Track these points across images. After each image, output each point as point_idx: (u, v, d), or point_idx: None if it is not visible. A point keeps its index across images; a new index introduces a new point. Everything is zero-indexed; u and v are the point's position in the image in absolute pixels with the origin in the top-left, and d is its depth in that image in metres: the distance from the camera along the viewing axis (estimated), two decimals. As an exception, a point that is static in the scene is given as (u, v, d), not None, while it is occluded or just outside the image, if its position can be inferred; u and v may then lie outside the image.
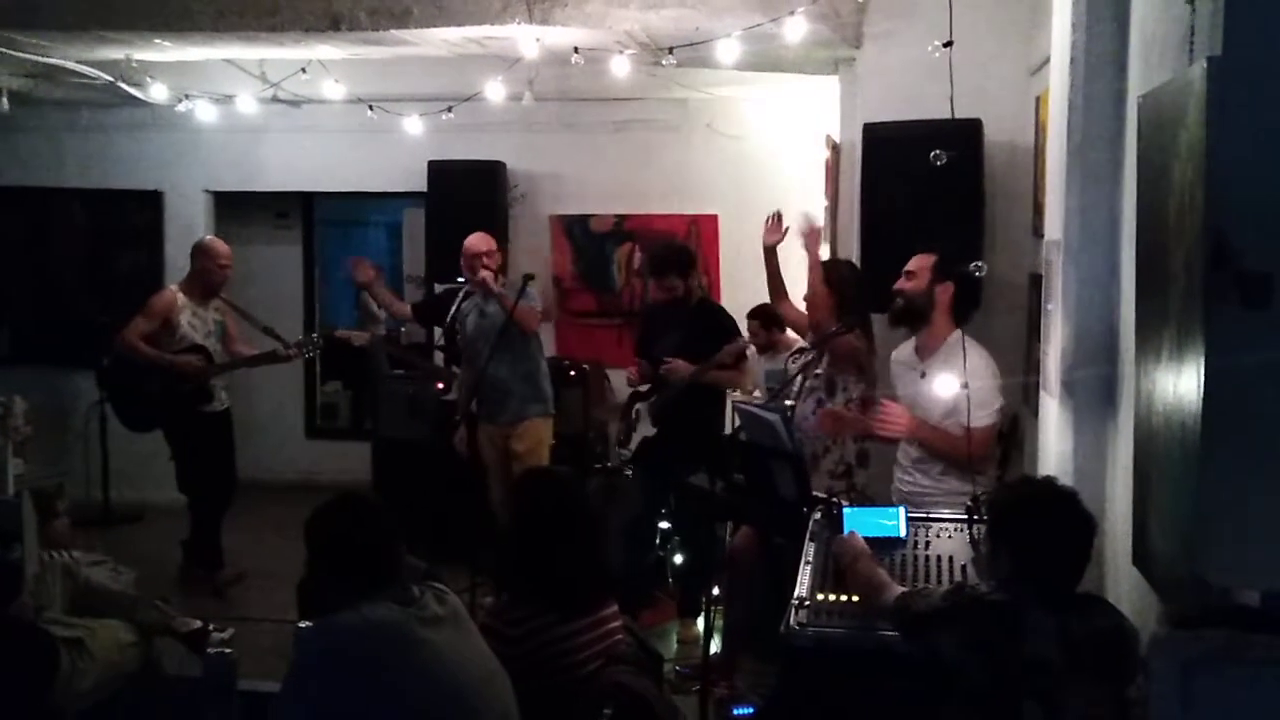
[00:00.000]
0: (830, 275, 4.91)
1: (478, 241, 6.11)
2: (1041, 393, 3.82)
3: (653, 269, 6.17)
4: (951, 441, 4.16)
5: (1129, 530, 2.82)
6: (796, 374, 4.97)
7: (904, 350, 4.50)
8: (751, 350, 6.39)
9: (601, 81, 6.60)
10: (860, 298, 4.81)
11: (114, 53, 6.38)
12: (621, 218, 8.30)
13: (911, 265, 4.34)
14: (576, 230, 8.35)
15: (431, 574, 3.16)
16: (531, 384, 6.12)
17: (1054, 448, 3.54)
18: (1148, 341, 2.61)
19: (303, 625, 3.15)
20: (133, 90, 7.06)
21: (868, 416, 4.44)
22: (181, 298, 6.53)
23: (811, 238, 4.88)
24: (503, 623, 3.30)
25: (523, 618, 3.30)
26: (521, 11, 5.42)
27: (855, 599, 3.20)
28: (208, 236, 6.83)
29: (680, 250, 6.48)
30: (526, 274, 6.11)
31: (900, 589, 3.05)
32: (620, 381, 6.79)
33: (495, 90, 6.25)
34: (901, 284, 4.34)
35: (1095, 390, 3.25)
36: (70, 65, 6.67)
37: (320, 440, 9.33)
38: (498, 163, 8.00)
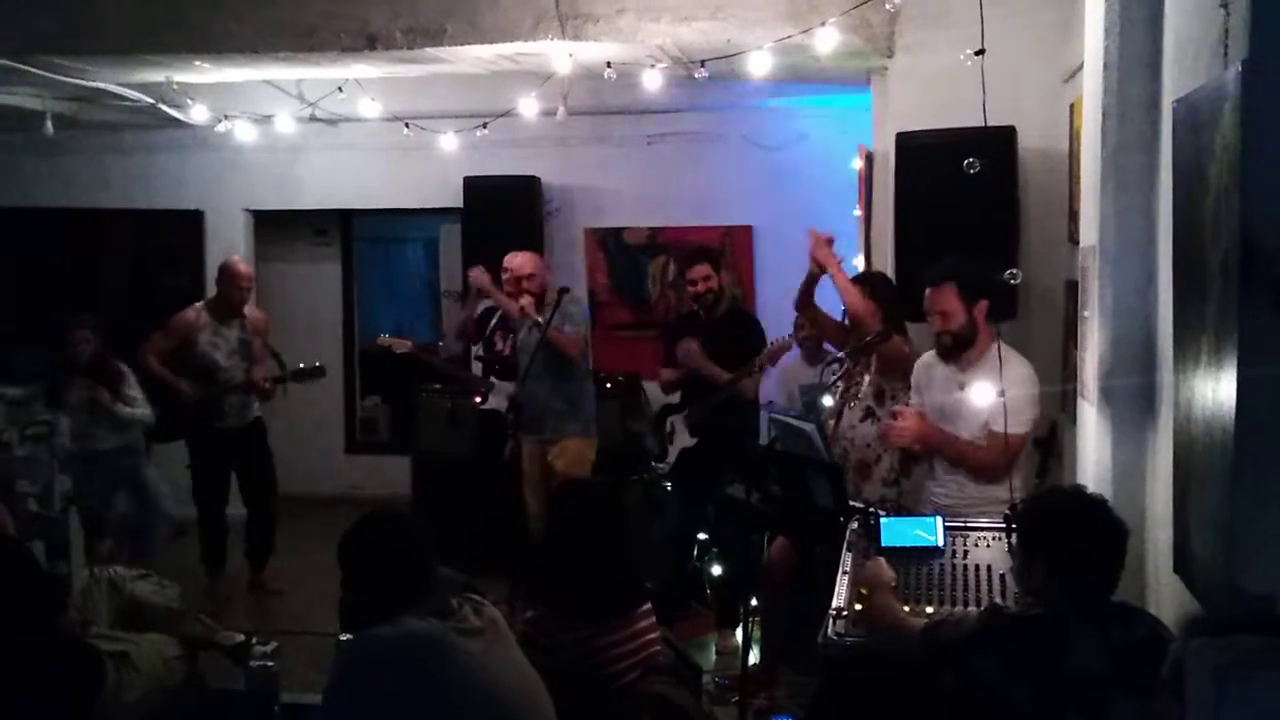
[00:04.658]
0: (870, 287, 4.92)
1: (523, 263, 6.14)
2: (1080, 400, 3.80)
3: (684, 262, 6.26)
4: (969, 449, 4.14)
5: (1170, 538, 2.79)
6: (834, 381, 4.96)
7: (930, 357, 4.45)
8: (789, 360, 6.39)
9: (634, 95, 6.64)
10: (899, 308, 4.80)
11: (155, 75, 6.49)
12: (655, 230, 8.32)
13: (939, 305, 4.22)
14: (611, 243, 8.38)
15: (470, 586, 3.18)
16: (571, 404, 6.13)
17: (1093, 455, 3.51)
18: (1186, 347, 2.59)
19: (343, 638, 3.18)
20: (174, 112, 7.19)
21: (887, 424, 4.41)
22: (204, 316, 6.71)
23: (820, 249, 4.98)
24: (540, 633, 3.31)
25: (560, 628, 3.31)
26: (554, 28, 5.46)
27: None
28: (232, 257, 7.08)
29: (707, 245, 6.55)
30: (562, 288, 6.14)
31: (921, 621, 3.02)
32: (656, 393, 6.81)
33: (529, 106, 6.30)
34: (940, 326, 4.24)
35: (1134, 397, 3.23)
36: (113, 88, 6.80)
37: (360, 455, 9.42)
38: (532, 177, 8.05)
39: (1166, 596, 2.93)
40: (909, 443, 4.31)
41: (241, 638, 4.50)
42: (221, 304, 6.79)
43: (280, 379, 6.90)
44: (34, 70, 6.18)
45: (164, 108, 7.08)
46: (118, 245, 9.18)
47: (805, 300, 5.37)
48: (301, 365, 6.91)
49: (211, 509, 6.86)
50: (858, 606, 3.23)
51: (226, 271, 6.81)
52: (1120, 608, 2.71)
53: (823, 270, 5.02)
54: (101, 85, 6.71)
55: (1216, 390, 2.27)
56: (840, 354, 5.00)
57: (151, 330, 6.80)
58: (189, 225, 8.87)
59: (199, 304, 6.93)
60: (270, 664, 4.22)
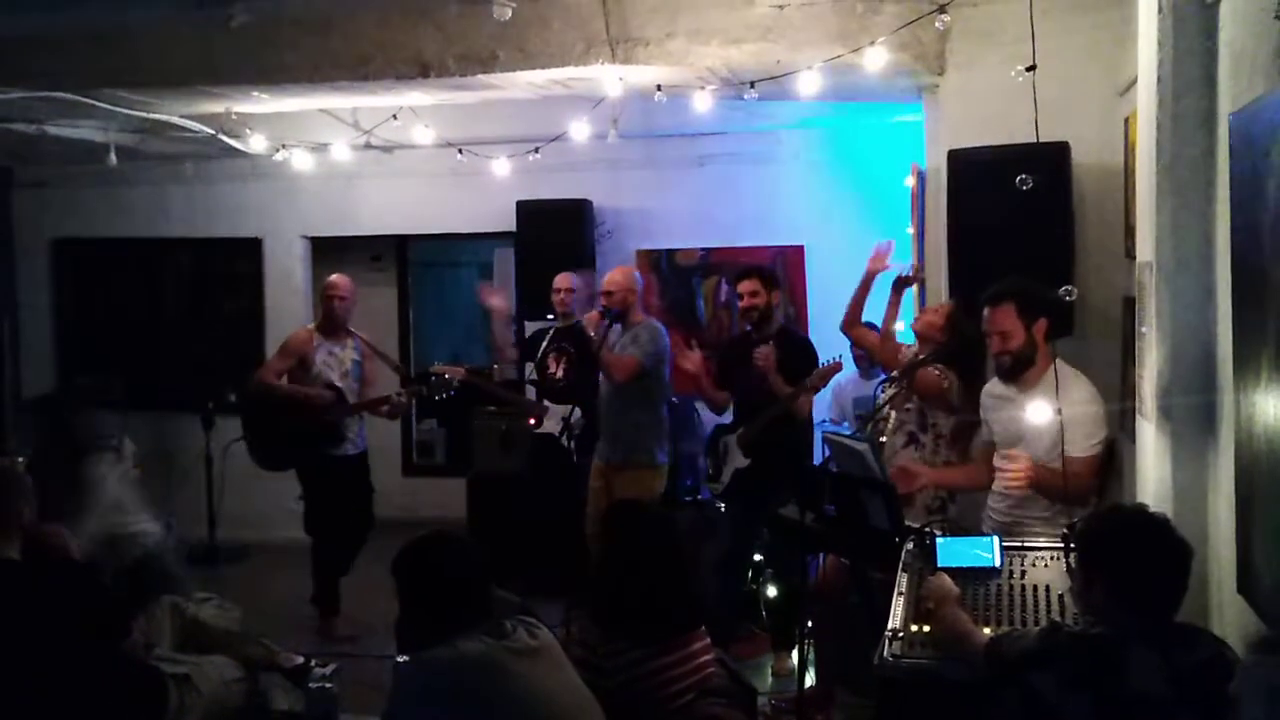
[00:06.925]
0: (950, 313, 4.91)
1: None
2: (1138, 418, 3.74)
3: (735, 277, 6.29)
4: (1063, 480, 4.03)
5: (1233, 557, 2.74)
6: (883, 405, 4.94)
7: (998, 384, 4.40)
8: (843, 377, 6.35)
9: (685, 117, 6.66)
10: (963, 339, 4.71)
11: (215, 107, 6.62)
12: (708, 251, 8.33)
13: (997, 325, 4.15)
14: (663, 264, 8.40)
15: (525, 608, 3.20)
16: (640, 432, 6.11)
17: (1152, 474, 3.46)
18: (1247, 363, 2.55)
19: (400, 660, 3.21)
20: (233, 142, 7.32)
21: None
22: (317, 336, 6.72)
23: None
24: (596, 655, 3.32)
25: (616, 650, 3.31)
26: (604, 52, 5.50)
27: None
28: (334, 274, 6.92)
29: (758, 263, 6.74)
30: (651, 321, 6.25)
31: (987, 633, 2.99)
32: (708, 414, 6.80)
33: (580, 130, 6.34)
34: (999, 347, 4.16)
35: (1194, 414, 3.17)
36: (174, 120, 6.94)
37: (417, 477, 9.49)
38: (584, 201, 8.10)
39: (1230, 617, 2.88)
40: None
41: (301, 660, 4.53)
42: (326, 320, 6.76)
43: (412, 392, 6.83)
44: (98, 103, 6.33)
45: (223, 138, 7.22)
46: (179, 273, 9.36)
47: (853, 320, 5.38)
48: (433, 377, 6.85)
49: (335, 545, 6.65)
50: (923, 627, 3.20)
51: (326, 285, 6.82)
52: (1183, 628, 2.66)
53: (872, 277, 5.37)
54: (163, 117, 6.86)
55: (1279, 407, 2.24)
56: (890, 373, 4.99)
57: (218, 357, 6.85)
58: (248, 252, 9.03)
59: (310, 324, 6.98)
60: (329, 685, 4.26)
